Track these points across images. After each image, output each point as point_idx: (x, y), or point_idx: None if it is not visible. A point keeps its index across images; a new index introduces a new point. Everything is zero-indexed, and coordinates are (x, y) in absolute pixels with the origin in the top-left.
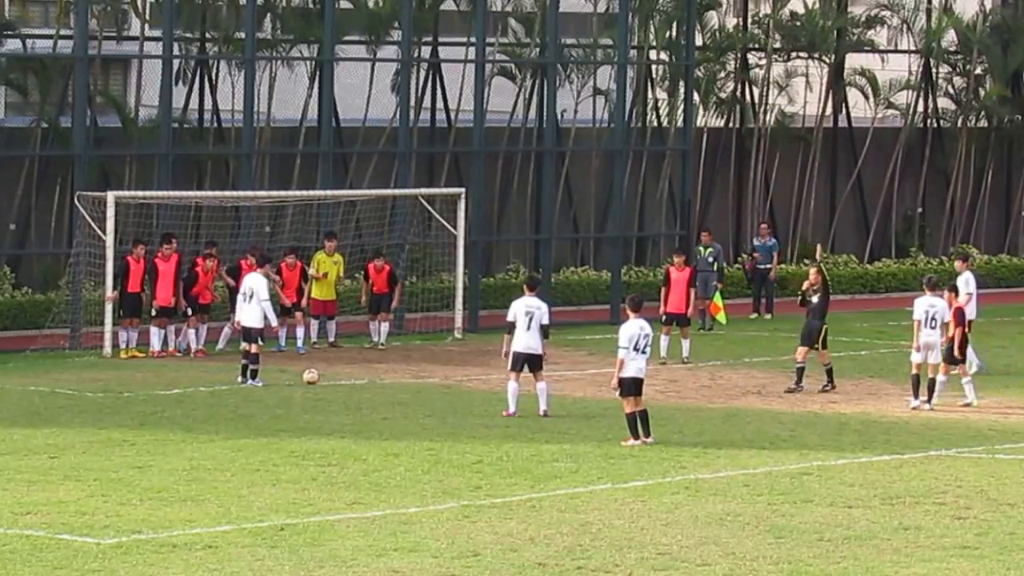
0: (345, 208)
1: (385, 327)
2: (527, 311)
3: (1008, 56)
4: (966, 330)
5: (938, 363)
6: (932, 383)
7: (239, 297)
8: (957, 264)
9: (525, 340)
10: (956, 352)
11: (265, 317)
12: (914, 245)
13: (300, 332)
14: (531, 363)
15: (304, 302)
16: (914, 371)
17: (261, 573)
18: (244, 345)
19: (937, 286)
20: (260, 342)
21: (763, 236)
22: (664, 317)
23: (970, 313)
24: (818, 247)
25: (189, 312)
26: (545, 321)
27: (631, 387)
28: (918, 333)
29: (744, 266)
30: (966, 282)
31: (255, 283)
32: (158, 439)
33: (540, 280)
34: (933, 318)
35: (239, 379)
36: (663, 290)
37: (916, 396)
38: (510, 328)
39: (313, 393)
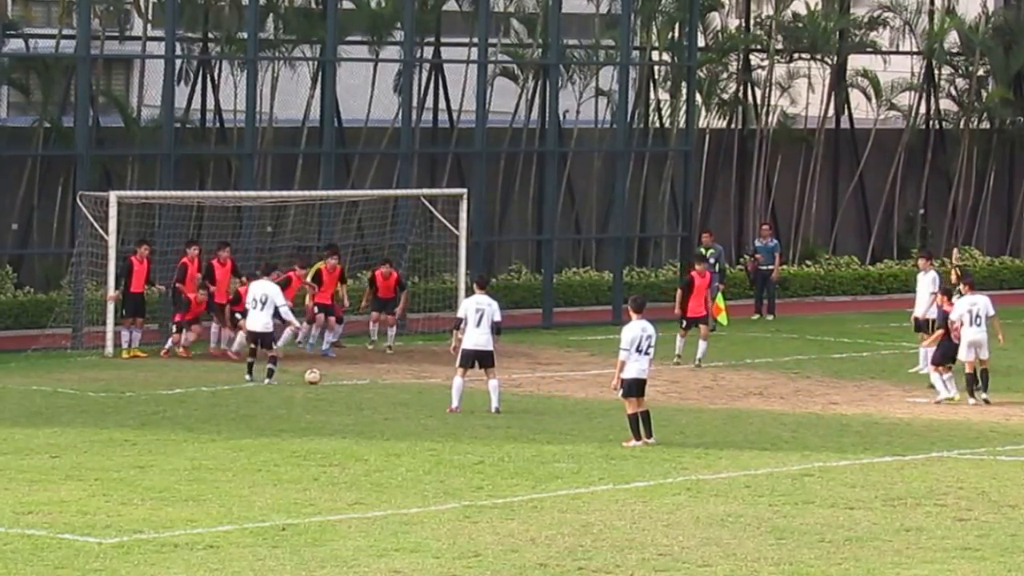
0: (347, 208)
1: (392, 331)
2: (477, 308)
3: (1010, 58)
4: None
5: (987, 358)
6: (985, 374)
7: (249, 303)
8: (921, 262)
9: (475, 338)
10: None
11: (281, 319)
12: (916, 246)
13: (309, 332)
14: (481, 360)
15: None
16: (968, 370)
17: (262, 573)
18: (252, 347)
19: (974, 285)
20: (276, 344)
21: (765, 237)
22: (684, 322)
23: (931, 313)
24: (955, 250)
25: (239, 317)
26: (497, 318)
27: (633, 388)
28: (960, 332)
29: (746, 267)
30: (933, 280)
31: (269, 290)
32: (160, 439)
33: (488, 279)
34: (977, 315)
35: (247, 376)
36: (680, 293)
37: (972, 395)
38: (458, 324)
39: (315, 393)
